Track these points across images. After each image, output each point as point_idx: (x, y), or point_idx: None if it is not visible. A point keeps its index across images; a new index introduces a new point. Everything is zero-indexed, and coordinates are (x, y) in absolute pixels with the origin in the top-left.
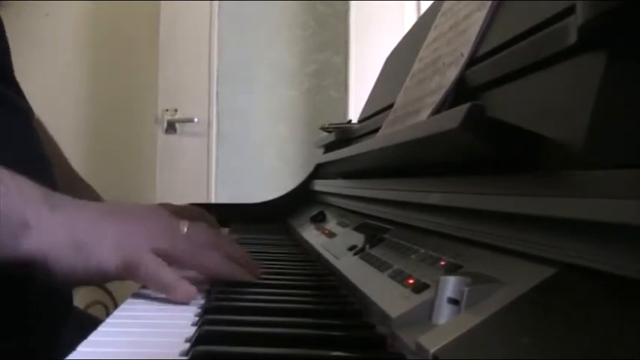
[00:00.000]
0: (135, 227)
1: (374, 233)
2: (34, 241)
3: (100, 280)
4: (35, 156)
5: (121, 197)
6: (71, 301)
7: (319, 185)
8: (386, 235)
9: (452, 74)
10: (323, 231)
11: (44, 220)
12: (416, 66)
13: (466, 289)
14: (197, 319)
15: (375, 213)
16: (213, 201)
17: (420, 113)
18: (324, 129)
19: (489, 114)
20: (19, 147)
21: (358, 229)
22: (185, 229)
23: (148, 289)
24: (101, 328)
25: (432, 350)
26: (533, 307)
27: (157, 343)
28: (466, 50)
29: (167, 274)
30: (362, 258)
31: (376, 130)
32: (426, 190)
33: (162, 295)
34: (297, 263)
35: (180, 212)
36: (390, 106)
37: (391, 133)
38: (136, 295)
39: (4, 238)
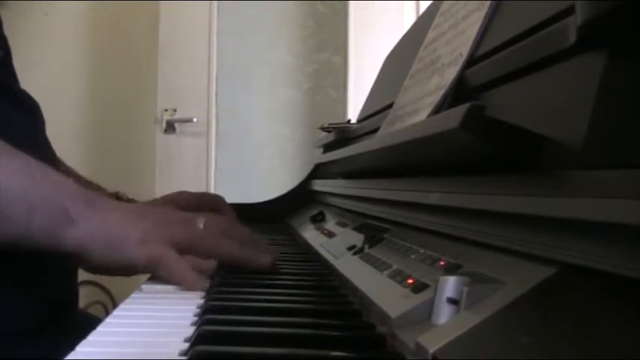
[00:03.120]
0: (157, 226)
1: (373, 233)
2: (75, 234)
3: (126, 272)
4: (37, 145)
5: None
6: (77, 297)
7: (319, 185)
8: (385, 235)
9: (451, 74)
10: (322, 231)
11: (84, 215)
12: (415, 66)
13: (466, 289)
14: (196, 319)
15: (374, 213)
16: None
17: (419, 113)
18: (323, 129)
19: (489, 114)
20: (23, 136)
21: (358, 229)
22: (201, 225)
23: (148, 289)
24: (100, 328)
25: (431, 350)
26: (532, 307)
27: (156, 342)
28: (465, 50)
29: (184, 271)
30: (361, 258)
31: (375, 130)
32: (426, 190)
33: (162, 295)
34: (296, 263)
35: (200, 199)
36: (389, 106)
37: (390, 133)
38: (136, 295)
39: (51, 230)
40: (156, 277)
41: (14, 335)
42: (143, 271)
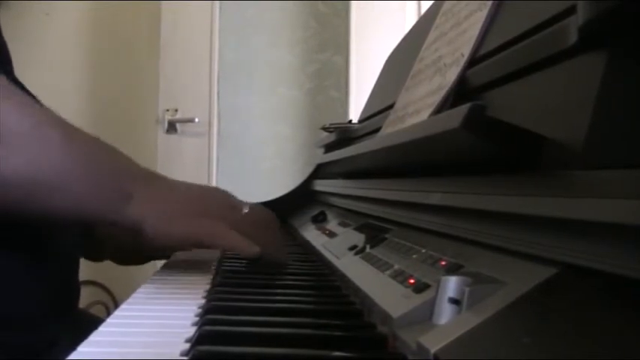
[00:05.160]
0: (208, 203)
1: (375, 233)
2: (135, 209)
3: (181, 246)
4: None
5: None
6: (78, 292)
7: (320, 185)
8: (387, 235)
9: (452, 74)
10: (324, 231)
11: (143, 192)
12: (416, 66)
13: (467, 289)
14: (197, 319)
15: (375, 213)
16: None
17: (420, 113)
18: (324, 129)
19: (490, 114)
20: None
21: (359, 229)
22: (246, 210)
23: (149, 289)
24: (102, 328)
25: (432, 350)
26: (533, 307)
27: (157, 343)
28: (467, 50)
29: (239, 238)
30: (363, 258)
31: (377, 130)
32: (427, 190)
33: (163, 296)
34: (297, 263)
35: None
36: (391, 106)
37: (392, 133)
38: (137, 295)
39: (113, 204)
40: (162, 273)
41: (12, 323)
42: (197, 245)
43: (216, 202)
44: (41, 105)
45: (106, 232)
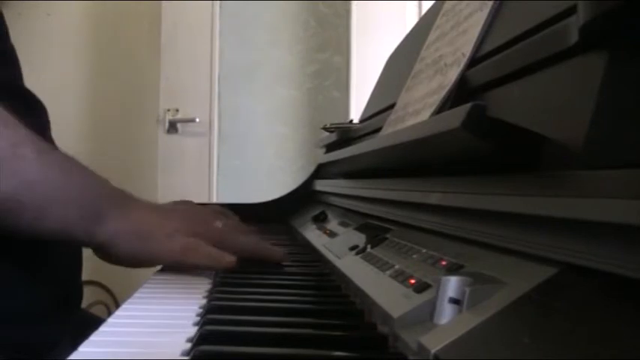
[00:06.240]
0: (182, 221)
1: (375, 233)
2: (105, 230)
3: (157, 263)
4: None
5: None
6: (81, 293)
7: (321, 185)
8: (387, 235)
9: (453, 74)
10: (324, 231)
11: (114, 213)
12: (417, 66)
13: (467, 289)
14: (199, 318)
15: (376, 213)
16: (214, 201)
17: (421, 113)
18: (325, 129)
19: (490, 114)
20: None
21: (360, 229)
22: (220, 223)
23: (150, 289)
24: (103, 328)
25: (433, 350)
26: (534, 307)
27: (158, 343)
28: (467, 50)
29: (211, 251)
30: (363, 258)
31: (377, 130)
32: (428, 190)
33: (164, 295)
34: (298, 263)
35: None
36: (392, 106)
37: (392, 133)
38: (138, 295)
39: (84, 226)
40: (163, 273)
41: (12, 322)
42: (170, 262)
43: (192, 218)
44: (46, 111)
45: None
